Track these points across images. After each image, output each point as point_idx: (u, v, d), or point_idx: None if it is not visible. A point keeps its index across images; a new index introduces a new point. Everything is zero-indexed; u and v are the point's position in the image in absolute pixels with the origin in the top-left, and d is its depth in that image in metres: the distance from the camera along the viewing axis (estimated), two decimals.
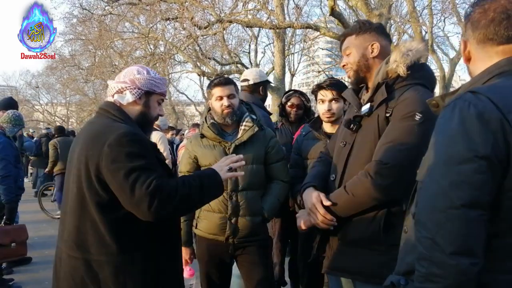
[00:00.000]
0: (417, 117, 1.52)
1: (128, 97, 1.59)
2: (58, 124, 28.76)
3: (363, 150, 1.65)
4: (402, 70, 1.60)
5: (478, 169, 0.92)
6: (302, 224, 1.77)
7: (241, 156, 1.74)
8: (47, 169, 7.63)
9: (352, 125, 1.69)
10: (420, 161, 1.10)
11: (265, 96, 3.19)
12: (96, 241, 1.45)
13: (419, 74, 1.63)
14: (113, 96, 1.62)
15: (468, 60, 1.14)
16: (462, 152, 0.94)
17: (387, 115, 1.59)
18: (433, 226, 0.95)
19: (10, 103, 4.52)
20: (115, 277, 1.44)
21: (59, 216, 7.15)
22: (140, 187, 1.39)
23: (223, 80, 2.28)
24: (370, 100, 1.66)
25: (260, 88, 3.07)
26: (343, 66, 1.80)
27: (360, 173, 1.61)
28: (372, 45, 1.71)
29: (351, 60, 1.74)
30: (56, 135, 7.90)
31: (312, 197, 1.70)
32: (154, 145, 1.62)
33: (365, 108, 1.67)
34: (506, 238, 0.96)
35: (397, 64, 1.61)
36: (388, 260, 1.49)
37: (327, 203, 1.64)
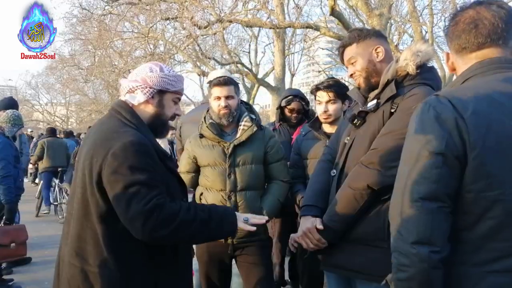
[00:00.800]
0: None
1: (140, 97, 1.49)
2: (58, 124, 28.85)
3: (363, 144, 1.66)
4: (411, 68, 1.62)
5: (434, 164, 1.02)
6: (294, 243, 1.80)
7: (266, 218, 1.65)
8: (31, 161, 8.04)
9: (356, 120, 1.70)
10: None
11: None
12: (95, 252, 1.37)
13: (428, 75, 1.66)
14: (124, 95, 1.53)
15: (453, 70, 1.24)
16: (421, 150, 1.05)
17: (392, 110, 1.60)
18: (399, 219, 1.06)
19: (11, 104, 4.50)
20: None
21: (42, 214, 7.42)
22: (137, 203, 1.30)
23: (222, 80, 2.26)
24: (377, 97, 1.67)
25: None
26: (351, 75, 1.78)
27: (355, 166, 1.63)
28: (376, 49, 1.72)
29: (358, 67, 1.73)
30: (47, 135, 8.35)
31: (308, 222, 1.73)
32: (164, 153, 1.52)
33: (371, 104, 1.68)
34: (473, 231, 1.03)
35: (407, 62, 1.63)
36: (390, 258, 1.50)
37: (320, 226, 1.68)
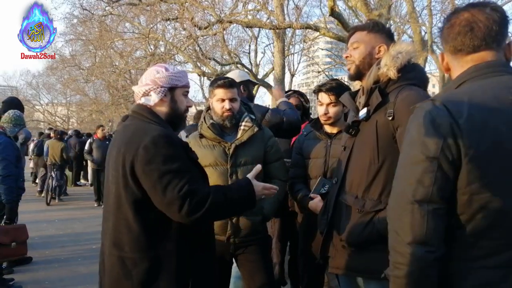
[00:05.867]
0: None
1: (154, 98, 1.63)
2: (58, 124, 28.88)
3: (362, 155, 1.69)
4: (392, 73, 1.64)
5: (429, 168, 1.07)
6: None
7: (276, 187, 1.74)
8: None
9: (350, 129, 1.75)
10: None
11: (249, 95, 3.07)
12: (130, 239, 1.51)
13: (411, 75, 1.68)
14: (140, 99, 1.67)
15: (447, 70, 1.28)
16: (417, 154, 1.09)
17: (389, 118, 1.61)
18: (396, 220, 1.12)
19: (17, 106, 4.47)
20: (147, 273, 1.49)
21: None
22: (172, 190, 1.44)
23: (227, 83, 2.27)
24: (366, 104, 1.70)
25: (240, 87, 2.95)
26: (346, 57, 1.82)
27: None
28: (380, 46, 1.74)
29: (357, 54, 1.77)
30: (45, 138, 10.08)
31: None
32: (187, 144, 1.66)
33: (363, 113, 1.71)
34: (466, 230, 1.09)
35: (387, 67, 1.65)
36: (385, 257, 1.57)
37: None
